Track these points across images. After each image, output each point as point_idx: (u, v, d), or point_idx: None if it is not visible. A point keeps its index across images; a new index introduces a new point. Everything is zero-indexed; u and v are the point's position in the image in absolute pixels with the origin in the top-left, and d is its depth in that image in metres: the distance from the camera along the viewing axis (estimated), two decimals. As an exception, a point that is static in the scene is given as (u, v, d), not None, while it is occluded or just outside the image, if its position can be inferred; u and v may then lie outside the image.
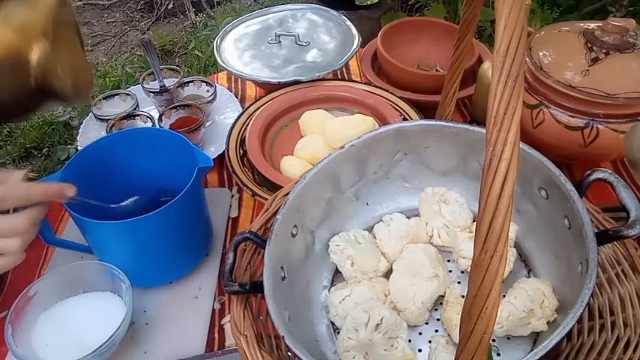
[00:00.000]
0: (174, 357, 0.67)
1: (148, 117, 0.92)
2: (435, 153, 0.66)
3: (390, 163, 0.67)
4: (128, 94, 0.99)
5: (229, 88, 1.11)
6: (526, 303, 0.53)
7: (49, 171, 1.99)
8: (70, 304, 0.69)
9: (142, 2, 3.09)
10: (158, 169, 0.77)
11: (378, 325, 0.53)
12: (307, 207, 0.61)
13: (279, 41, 1.07)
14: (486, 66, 0.90)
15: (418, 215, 0.67)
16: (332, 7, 1.18)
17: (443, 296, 0.60)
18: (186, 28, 2.86)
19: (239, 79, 1.14)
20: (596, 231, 0.49)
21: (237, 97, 1.06)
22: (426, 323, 0.59)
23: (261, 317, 0.57)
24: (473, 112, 0.98)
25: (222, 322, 0.72)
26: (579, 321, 0.53)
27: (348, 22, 1.10)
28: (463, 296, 0.58)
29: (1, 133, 2.20)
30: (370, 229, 0.66)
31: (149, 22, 2.96)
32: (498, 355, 0.55)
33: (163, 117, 0.92)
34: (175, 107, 0.93)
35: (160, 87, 1.00)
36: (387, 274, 0.62)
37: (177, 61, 2.60)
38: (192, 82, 1.01)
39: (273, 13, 1.15)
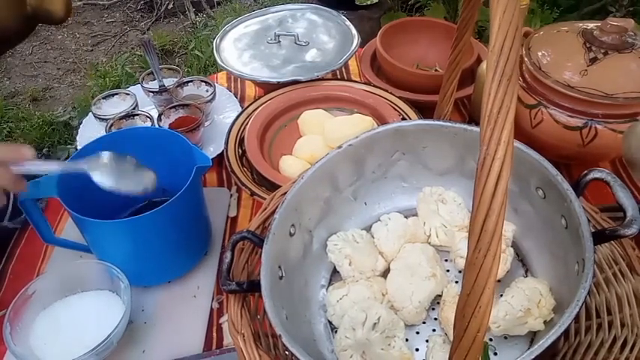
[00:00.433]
0: (172, 356, 0.68)
1: (148, 116, 0.92)
2: (433, 153, 0.66)
3: (388, 162, 0.67)
4: (128, 94, 0.99)
5: (229, 88, 1.11)
6: (523, 302, 0.53)
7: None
8: (68, 303, 0.69)
9: (142, 2, 3.09)
10: (157, 169, 0.77)
11: (375, 324, 0.53)
12: (305, 206, 0.62)
13: (279, 41, 1.07)
14: (485, 66, 0.90)
15: (416, 215, 0.67)
16: (332, 7, 1.18)
17: (440, 296, 0.60)
18: (186, 28, 2.86)
19: (238, 79, 1.15)
20: (593, 230, 0.49)
21: (236, 97, 1.06)
22: (424, 322, 0.59)
23: (258, 316, 0.57)
24: (471, 112, 0.98)
25: (220, 322, 0.72)
26: (576, 320, 0.53)
27: (348, 22, 1.10)
28: (460, 296, 0.58)
29: (1, 133, 2.20)
30: (368, 229, 0.66)
31: (149, 22, 2.96)
32: (495, 354, 0.55)
33: (163, 116, 0.92)
34: (175, 107, 0.94)
35: (160, 87, 1.01)
36: (385, 274, 0.62)
37: (177, 61, 2.60)
38: (191, 81, 1.01)
39: (273, 13, 1.15)
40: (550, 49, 0.78)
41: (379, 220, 0.66)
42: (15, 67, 2.67)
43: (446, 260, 0.65)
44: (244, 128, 0.89)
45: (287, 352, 0.51)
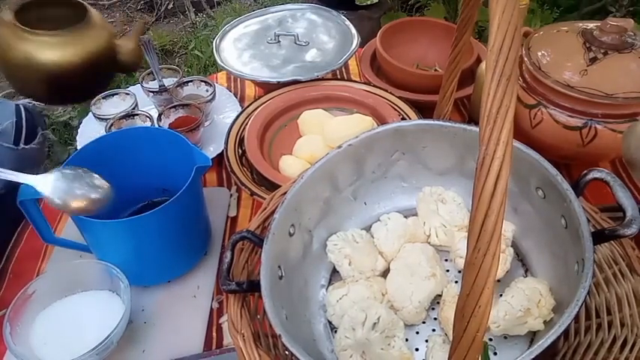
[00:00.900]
0: (172, 356, 0.68)
1: (147, 116, 0.92)
2: (432, 152, 0.66)
3: (388, 162, 0.67)
4: (127, 94, 0.99)
5: (228, 88, 1.11)
6: (523, 302, 0.53)
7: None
8: (68, 303, 0.69)
9: (142, 2, 3.09)
10: (157, 169, 0.78)
11: (375, 324, 0.53)
12: (305, 206, 0.62)
13: (279, 41, 1.07)
14: (485, 65, 0.90)
15: (416, 215, 0.67)
16: (332, 7, 1.18)
17: (440, 295, 0.60)
18: (186, 28, 2.86)
19: (238, 79, 1.15)
20: (593, 230, 0.49)
21: (236, 97, 1.06)
22: (423, 322, 0.59)
23: (258, 316, 0.57)
24: (471, 112, 0.98)
25: (220, 321, 0.72)
26: (576, 320, 0.53)
27: (348, 22, 1.10)
28: (460, 295, 0.58)
29: (1, 132, 2.20)
30: (368, 229, 0.66)
31: (149, 22, 2.96)
32: (495, 354, 0.55)
33: (162, 116, 0.92)
34: (174, 107, 0.93)
35: (160, 86, 1.01)
36: (385, 274, 0.62)
37: (177, 61, 2.60)
38: (191, 81, 1.01)
39: (273, 12, 1.15)
40: (550, 49, 0.78)
41: (379, 220, 0.66)
42: (15, 67, 2.66)
43: (446, 260, 0.65)
44: (244, 128, 0.89)
45: (287, 352, 0.51)
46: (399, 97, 0.93)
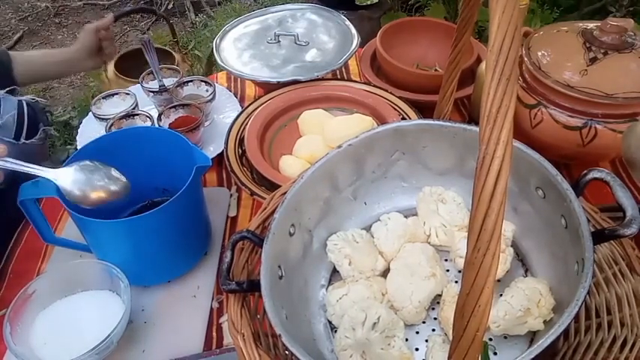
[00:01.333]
0: (172, 355, 0.68)
1: (147, 116, 0.92)
2: (432, 152, 0.66)
3: (388, 162, 0.67)
4: (127, 94, 0.99)
5: (229, 88, 1.11)
6: (523, 302, 0.53)
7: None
8: (68, 303, 0.69)
9: (141, 2, 3.09)
10: (157, 169, 0.78)
11: (374, 323, 0.53)
12: (305, 206, 0.62)
13: (279, 41, 1.07)
14: (485, 65, 0.90)
15: (416, 214, 0.67)
16: (332, 7, 1.18)
17: (440, 295, 0.60)
18: (186, 28, 2.86)
19: (238, 79, 1.15)
20: (593, 230, 0.49)
21: (236, 97, 1.06)
22: (423, 322, 0.59)
23: (258, 316, 0.57)
24: (471, 112, 0.98)
25: (220, 321, 0.72)
26: (576, 320, 0.53)
27: (348, 22, 1.10)
28: (460, 295, 0.58)
29: (1, 132, 2.19)
30: (368, 229, 0.66)
31: (149, 22, 2.96)
32: (495, 354, 0.55)
33: (162, 116, 0.92)
34: (174, 107, 0.94)
35: (160, 86, 1.01)
36: (385, 274, 0.62)
37: (176, 62, 2.60)
38: (191, 81, 1.01)
39: (273, 12, 1.15)
40: (550, 49, 0.78)
41: (379, 219, 0.66)
42: (15, 67, 2.66)
43: (446, 260, 0.65)
44: (244, 128, 0.89)
45: (287, 352, 0.51)
46: (399, 97, 0.93)
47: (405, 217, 0.66)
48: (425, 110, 0.91)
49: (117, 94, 1.00)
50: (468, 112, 1.01)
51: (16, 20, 3.05)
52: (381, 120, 0.88)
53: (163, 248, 0.72)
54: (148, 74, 1.02)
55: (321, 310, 0.61)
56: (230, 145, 0.87)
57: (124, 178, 0.67)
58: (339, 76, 1.13)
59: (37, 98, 1.03)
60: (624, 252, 0.56)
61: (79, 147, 0.93)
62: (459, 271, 0.63)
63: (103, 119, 0.94)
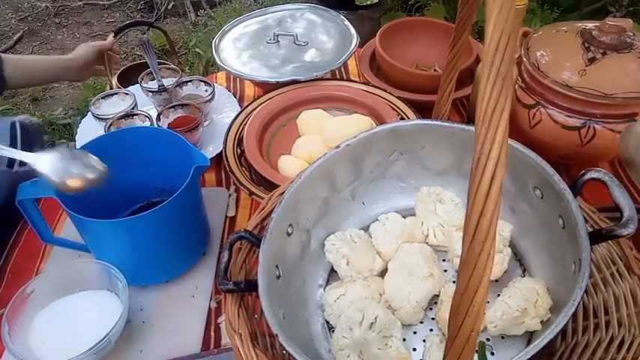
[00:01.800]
0: (170, 355, 0.68)
1: (147, 116, 0.92)
2: (430, 152, 0.66)
3: (386, 162, 0.67)
4: (127, 94, 0.99)
5: (228, 88, 1.11)
6: (520, 302, 0.53)
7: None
8: (66, 303, 0.69)
9: (142, 2, 3.09)
10: (156, 169, 0.78)
11: (372, 323, 0.53)
12: (303, 206, 0.62)
13: (278, 41, 1.07)
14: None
15: (414, 215, 0.67)
16: (332, 7, 1.18)
17: (438, 295, 0.60)
18: (186, 27, 2.86)
19: (237, 79, 1.15)
20: (590, 230, 0.49)
21: (235, 97, 1.06)
22: (421, 322, 0.59)
23: (255, 316, 0.57)
24: (470, 112, 0.98)
25: (218, 321, 0.72)
26: (574, 320, 0.53)
27: (347, 22, 1.10)
28: (458, 295, 0.58)
29: (1, 132, 2.20)
30: (366, 229, 0.66)
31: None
32: (492, 354, 0.55)
33: (162, 116, 0.92)
34: (174, 107, 0.94)
35: (159, 86, 1.01)
36: (383, 274, 0.62)
37: (176, 62, 2.60)
38: (190, 81, 1.01)
39: (272, 12, 1.15)
40: (549, 49, 0.78)
41: (377, 219, 0.66)
42: (15, 67, 2.66)
43: (443, 260, 0.65)
44: (243, 128, 0.89)
45: (284, 352, 0.51)
46: (398, 97, 0.93)
47: (403, 217, 0.66)
48: (424, 110, 0.91)
49: (116, 94, 1.00)
50: (467, 112, 1.01)
51: (16, 20, 3.05)
52: (379, 120, 0.88)
53: (162, 248, 0.72)
54: (147, 74, 1.02)
55: (319, 310, 0.61)
56: (229, 145, 0.87)
57: (101, 166, 0.67)
58: (338, 76, 1.13)
59: (31, 118, 1.03)
60: (622, 252, 0.56)
61: (78, 147, 0.93)
62: (457, 272, 0.63)
63: (102, 119, 0.94)
